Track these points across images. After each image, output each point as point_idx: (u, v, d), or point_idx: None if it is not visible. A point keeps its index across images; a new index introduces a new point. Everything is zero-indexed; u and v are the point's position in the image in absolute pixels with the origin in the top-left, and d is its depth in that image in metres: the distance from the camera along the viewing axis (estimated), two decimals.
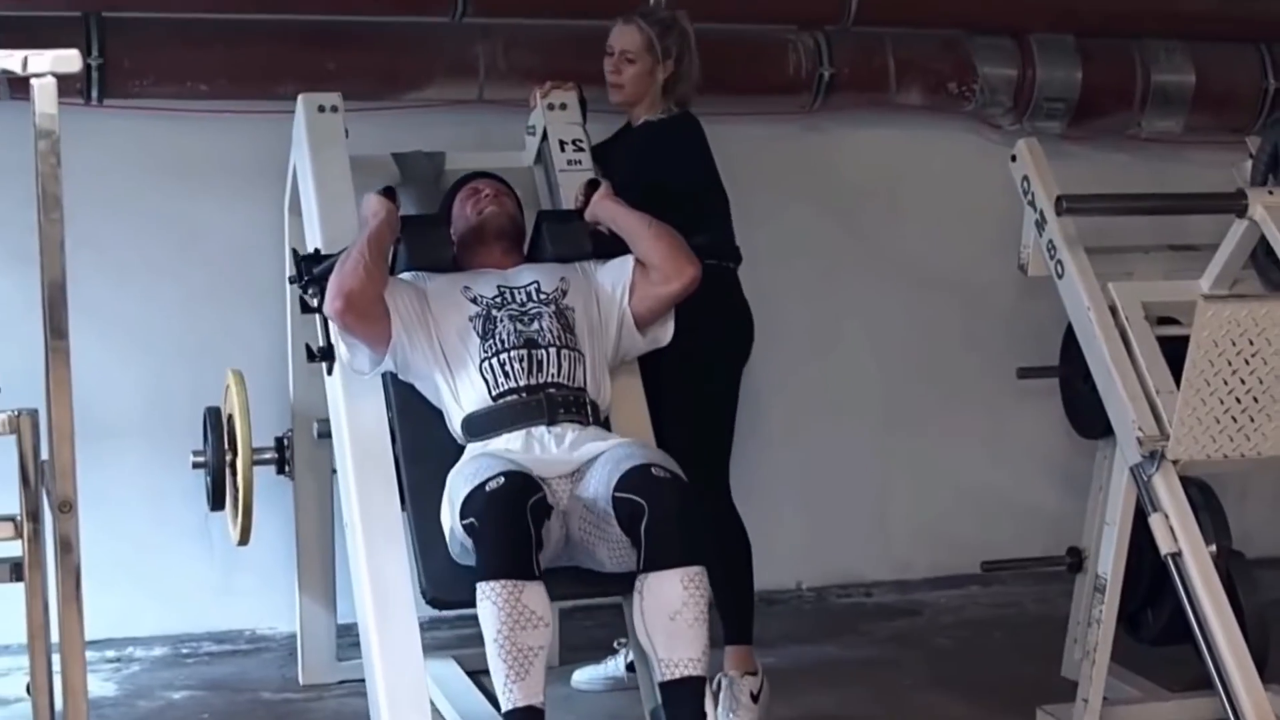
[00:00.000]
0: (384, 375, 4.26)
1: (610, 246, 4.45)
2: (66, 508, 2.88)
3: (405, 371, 4.22)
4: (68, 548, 2.90)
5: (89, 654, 5.29)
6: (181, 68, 5.32)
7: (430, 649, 4.95)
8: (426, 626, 5.38)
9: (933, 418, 6.41)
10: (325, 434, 4.58)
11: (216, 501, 4.78)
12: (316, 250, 4.43)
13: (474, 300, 4.23)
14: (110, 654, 5.49)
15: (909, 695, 5.18)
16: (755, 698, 4.82)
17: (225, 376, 4.78)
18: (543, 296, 4.26)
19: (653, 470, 3.79)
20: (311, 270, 4.36)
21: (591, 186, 4.56)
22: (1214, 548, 4.57)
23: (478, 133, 5.44)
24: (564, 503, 3.93)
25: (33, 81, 2.79)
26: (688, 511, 3.77)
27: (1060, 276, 4.63)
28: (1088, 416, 4.83)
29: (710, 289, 4.75)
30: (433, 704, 4.87)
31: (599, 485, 3.86)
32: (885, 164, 6.24)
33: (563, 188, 4.80)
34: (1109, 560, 4.54)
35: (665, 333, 4.40)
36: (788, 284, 5.84)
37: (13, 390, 3.36)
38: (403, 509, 4.13)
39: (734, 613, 4.88)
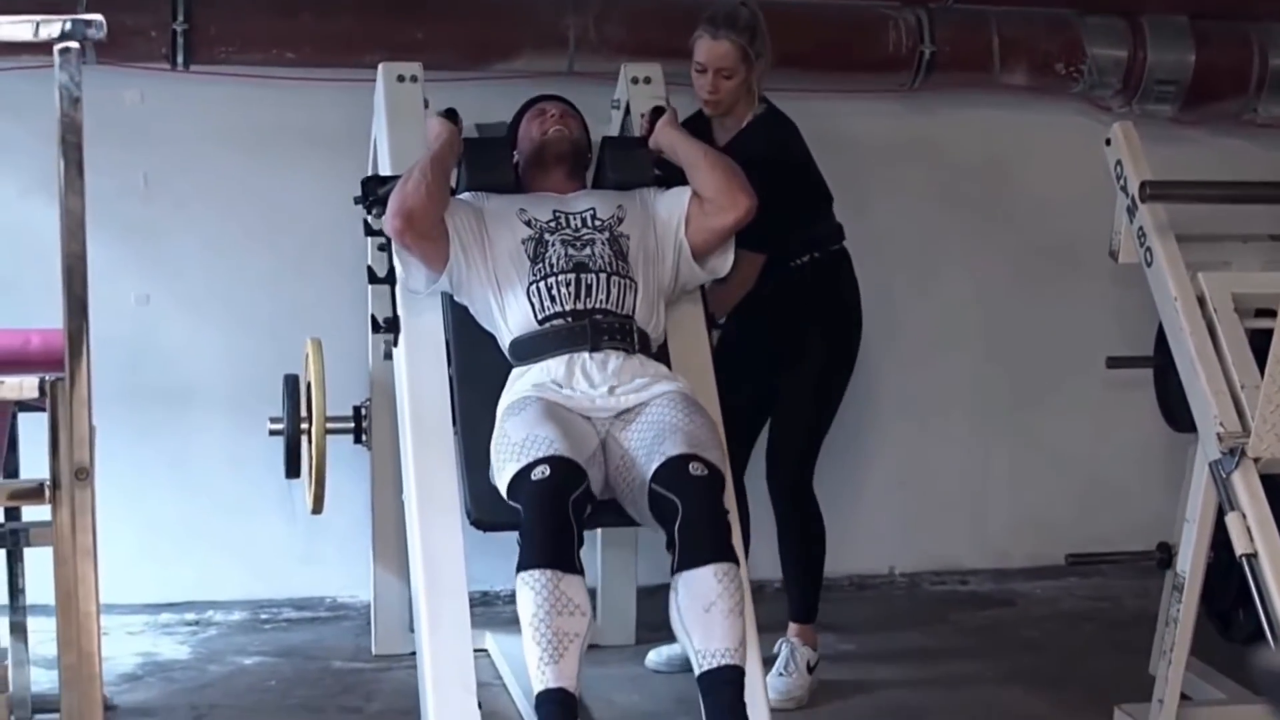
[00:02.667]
0: (443, 295, 4.29)
1: (676, 176, 4.44)
2: (83, 475, 2.87)
3: (459, 292, 4.24)
4: (84, 514, 2.88)
5: (168, 616, 5.48)
6: (268, 35, 5.32)
7: (504, 623, 4.97)
8: (505, 600, 5.43)
9: (1034, 404, 6.30)
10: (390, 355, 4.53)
11: (291, 469, 4.77)
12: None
13: (528, 223, 4.25)
14: (190, 616, 5.54)
15: (989, 688, 5.07)
16: (810, 669, 4.89)
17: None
18: (598, 223, 4.27)
19: (691, 468, 3.76)
20: (376, 191, 4.42)
21: (657, 113, 4.56)
22: None
23: None
24: (604, 429, 3.97)
25: (56, 47, 2.74)
26: (721, 509, 3.77)
27: (1149, 264, 4.51)
28: (1179, 409, 4.69)
29: (835, 275, 4.92)
30: (500, 679, 4.89)
31: (640, 453, 3.87)
32: (988, 145, 6.12)
33: None
34: (1188, 558, 4.41)
35: (724, 263, 4.39)
36: (884, 265, 5.73)
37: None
38: (454, 431, 4.16)
39: (802, 594, 4.98)
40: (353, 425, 4.91)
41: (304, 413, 4.70)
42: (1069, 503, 6.29)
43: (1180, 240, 4.51)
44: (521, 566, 3.63)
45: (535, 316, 4.11)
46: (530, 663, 3.58)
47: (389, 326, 4.36)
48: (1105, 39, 5.92)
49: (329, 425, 4.68)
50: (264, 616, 5.60)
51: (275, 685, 4.97)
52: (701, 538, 3.68)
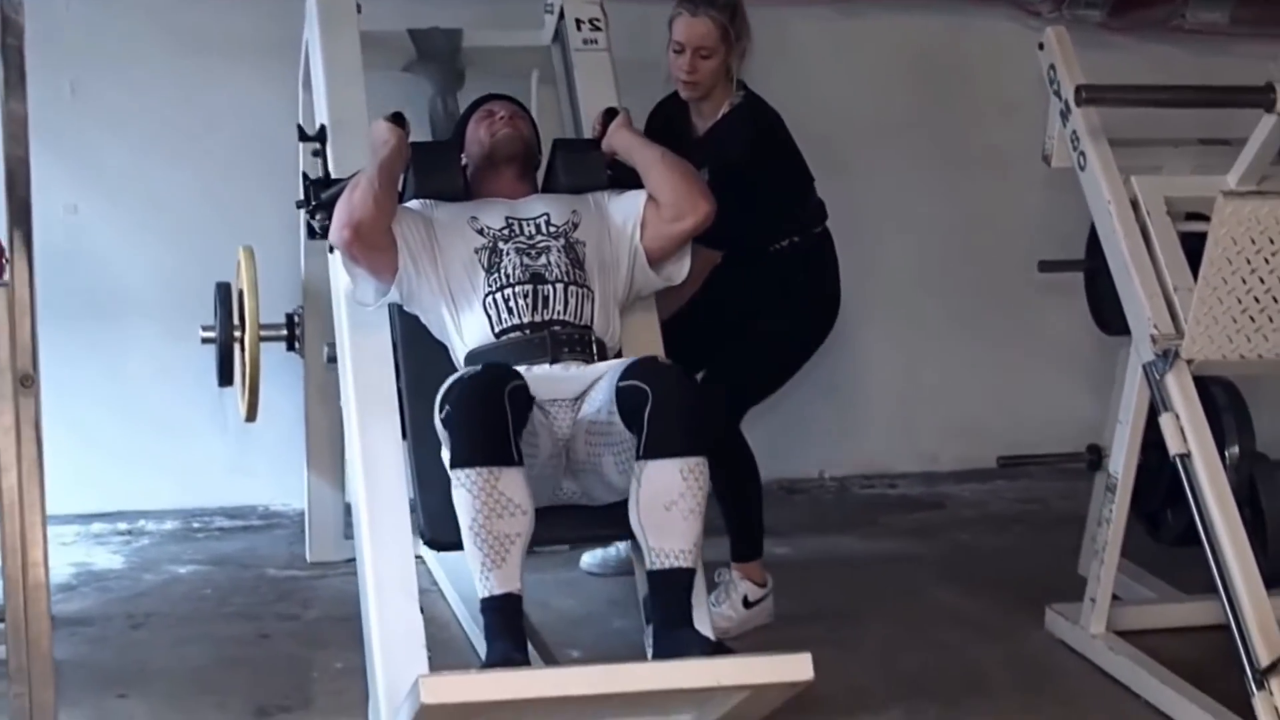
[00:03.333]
0: (390, 306, 4.14)
1: (630, 178, 4.32)
2: (28, 382, 2.85)
3: (410, 303, 4.11)
4: (28, 424, 2.85)
5: (100, 525, 5.46)
6: None
7: None
8: None
9: (963, 309, 6.34)
10: (334, 359, 4.39)
11: (224, 377, 4.76)
12: (326, 174, 4.34)
13: (480, 232, 4.11)
14: (122, 526, 5.53)
15: (921, 590, 5.13)
16: (749, 604, 4.76)
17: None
18: (552, 229, 4.14)
19: (658, 359, 3.75)
20: (320, 195, 4.25)
21: (609, 115, 4.42)
22: (1237, 450, 4.51)
23: (496, 10, 5.30)
24: (565, 430, 3.85)
25: None
26: (691, 401, 3.67)
27: (1082, 169, 4.53)
28: (1110, 312, 4.73)
29: (816, 261, 4.85)
30: (438, 587, 4.90)
31: (603, 394, 3.78)
32: (921, 51, 6.14)
33: (578, 68, 4.73)
34: (1120, 459, 4.46)
35: (680, 270, 4.27)
36: (815, 174, 5.74)
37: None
38: (404, 443, 4.02)
39: (741, 534, 4.82)
40: (285, 333, 4.90)
41: (236, 320, 4.68)
42: (997, 406, 6.35)
43: (1112, 145, 4.52)
44: (455, 464, 3.56)
45: (492, 329, 4.00)
46: (472, 568, 3.54)
47: (323, 233, 4.29)
48: None
49: (262, 333, 4.66)
50: (196, 525, 5.59)
51: (211, 593, 4.98)
52: (671, 423, 3.59)
